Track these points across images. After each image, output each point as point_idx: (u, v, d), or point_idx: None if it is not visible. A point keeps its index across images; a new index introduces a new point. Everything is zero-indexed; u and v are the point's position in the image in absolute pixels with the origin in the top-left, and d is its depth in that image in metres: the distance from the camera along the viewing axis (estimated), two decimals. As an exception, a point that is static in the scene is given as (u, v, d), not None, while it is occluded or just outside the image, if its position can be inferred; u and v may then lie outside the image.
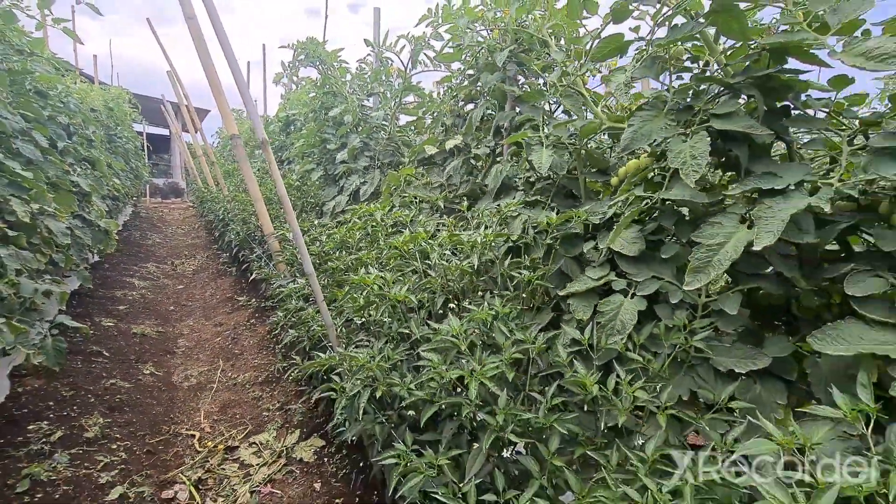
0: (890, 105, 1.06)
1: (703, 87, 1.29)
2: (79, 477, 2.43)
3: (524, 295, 1.67)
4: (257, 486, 2.54)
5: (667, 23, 1.24)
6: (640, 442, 1.31)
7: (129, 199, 9.47)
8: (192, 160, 9.86)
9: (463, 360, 1.43)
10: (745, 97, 1.25)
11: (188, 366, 4.04)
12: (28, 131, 2.95)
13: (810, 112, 1.25)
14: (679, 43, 1.25)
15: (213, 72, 3.12)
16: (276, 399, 3.40)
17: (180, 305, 5.64)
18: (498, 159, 2.35)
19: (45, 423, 2.80)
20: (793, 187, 1.08)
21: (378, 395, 1.41)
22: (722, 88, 1.23)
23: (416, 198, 2.59)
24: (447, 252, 1.75)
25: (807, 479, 0.89)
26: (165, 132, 22.43)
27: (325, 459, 2.71)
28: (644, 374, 1.35)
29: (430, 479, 1.21)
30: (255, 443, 2.93)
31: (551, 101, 1.93)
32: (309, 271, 1.89)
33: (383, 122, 3.54)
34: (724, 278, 1.52)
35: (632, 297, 1.45)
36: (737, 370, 1.29)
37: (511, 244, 1.88)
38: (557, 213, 1.71)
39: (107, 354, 3.88)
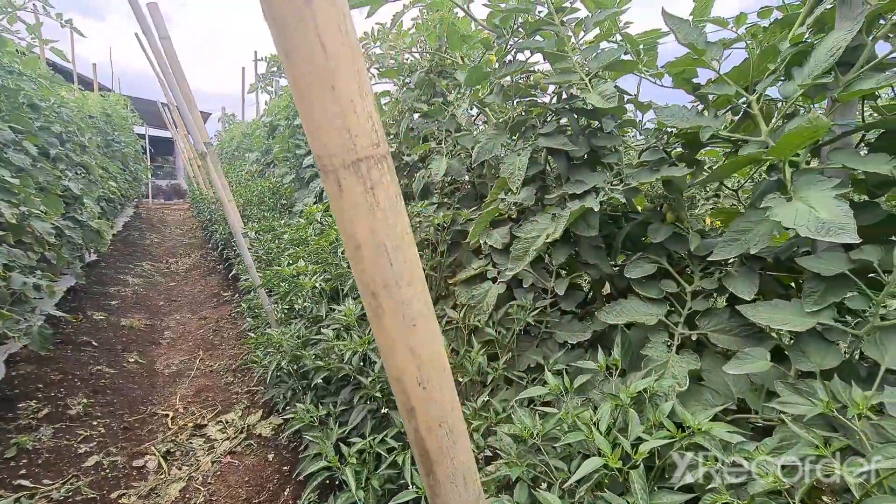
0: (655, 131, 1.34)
1: (547, 110, 1.57)
2: (60, 447, 2.76)
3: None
4: (219, 457, 2.86)
5: (510, 57, 1.53)
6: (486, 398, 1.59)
7: (128, 201, 9.86)
8: (188, 163, 10.26)
9: (356, 336, 1.73)
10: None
11: (171, 355, 4.37)
12: (19, 142, 3.28)
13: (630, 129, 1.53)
14: (513, 74, 1.54)
15: (188, 89, 3.42)
16: (246, 384, 3.72)
17: (170, 301, 5.98)
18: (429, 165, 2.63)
19: (34, 402, 3.13)
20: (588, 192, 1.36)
21: (283, 364, 1.71)
22: (551, 112, 1.51)
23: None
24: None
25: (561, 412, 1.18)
26: (170, 134, 22.92)
27: (281, 434, 3.01)
28: (499, 346, 1.64)
29: (311, 426, 1.51)
30: (221, 421, 3.25)
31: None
32: (248, 263, 2.20)
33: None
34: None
35: (496, 283, 1.73)
36: (570, 342, 1.57)
37: (422, 239, 2.17)
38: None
39: (95, 344, 4.22)
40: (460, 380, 1.62)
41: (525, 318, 1.54)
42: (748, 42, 1.14)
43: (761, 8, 1.28)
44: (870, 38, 0.95)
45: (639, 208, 1.58)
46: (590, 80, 1.26)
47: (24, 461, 2.59)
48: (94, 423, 3.08)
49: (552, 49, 1.33)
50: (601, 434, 0.95)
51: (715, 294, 1.34)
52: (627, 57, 1.37)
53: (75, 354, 3.93)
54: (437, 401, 0.42)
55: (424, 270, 1.93)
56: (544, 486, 1.10)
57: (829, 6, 1.09)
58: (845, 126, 1.03)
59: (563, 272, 1.66)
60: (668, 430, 0.94)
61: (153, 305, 5.69)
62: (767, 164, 1.12)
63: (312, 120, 0.35)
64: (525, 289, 1.67)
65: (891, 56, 0.96)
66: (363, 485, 1.32)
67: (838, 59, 0.99)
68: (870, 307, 0.96)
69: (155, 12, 3.29)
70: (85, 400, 3.28)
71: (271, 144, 6.21)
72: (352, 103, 0.34)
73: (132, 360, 4.11)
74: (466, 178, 2.17)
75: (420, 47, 2.49)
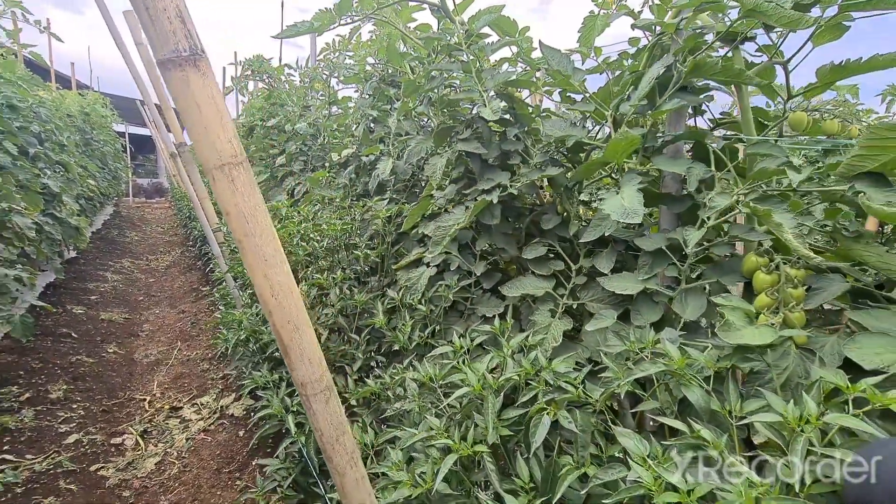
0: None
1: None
2: (42, 427, 2.96)
3: (366, 269, 2.23)
4: (193, 434, 3.09)
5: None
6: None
7: (108, 200, 9.90)
8: (168, 161, 10.33)
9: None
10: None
11: (149, 346, 4.56)
12: (0, 141, 3.46)
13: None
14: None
15: (164, 93, 3.63)
16: (221, 370, 3.94)
17: (149, 296, 6.14)
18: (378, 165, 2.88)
19: (16, 387, 3.32)
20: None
21: (245, 339, 1.96)
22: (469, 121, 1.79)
23: (324, 196, 3.14)
24: (315, 236, 2.31)
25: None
26: (150, 133, 22.69)
27: (252, 413, 3.25)
28: (430, 320, 1.91)
29: (265, 388, 1.77)
30: (196, 403, 3.47)
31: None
32: (217, 253, 2.43)
33: (318, 130, 4.08)
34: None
35: (428, 267, 2.00)
36: (487, 314, 1.85)
37: (374, 230, 2.44)
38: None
39: (75, 336, 4.39)
40: (395, 347, 1.89)
41: (448, 296, 1.82)
42: (605, 69, 1.43)
43: (630, 38, 1.58)
44: (679, 69, 1.24)
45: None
46: (487, 96, 1.54)
47: (8, 439, 2.79)
48: (74, 406, 3.28)
49: (459, 71, 1.61)
50: (474, 374, 1.23)
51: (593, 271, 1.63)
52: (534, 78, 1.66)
53: (55, 345, 4.10)
54: (285, 307, 0.68)
55: (370, 257, 2.20)
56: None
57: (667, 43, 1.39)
58: (673, 135, 1.33)
59: (488, 256, 1.94)
60: (525, 368, 1.22)
61: (133, 300, 5.85)
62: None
63: (198, 144, 0.61)
64: (453, 271, 1.95)
65: (698, 83, 1.27)
66: (305, 432, 1.58)
67: (662, 83, 1.29)
68: (678, 274, 1.25)
69: (131, 19, 3.49)
70: (65, 386, 3.47)
71: (249, 144, 6.38)
72: (216, 134, 0.59)
73: (111, 350, 4.29)
74: (407, 177, 2.44)
75: (375, 57, 2.76)
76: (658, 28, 1.40)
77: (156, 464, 2.82)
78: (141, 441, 3.01)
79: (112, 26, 2.67)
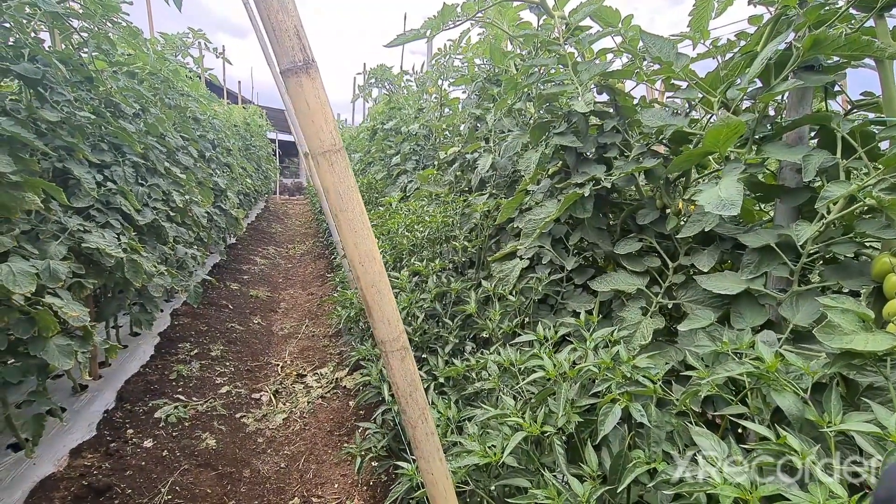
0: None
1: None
2: (204, 377, 3.66)
3: (464, 259, 2.35)
4: (313, 399, 3.54)
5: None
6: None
7: (260, 196, 11.60)
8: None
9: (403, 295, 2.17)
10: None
11: (284, 321, 5.30)
12: (186, 147, 4.33)
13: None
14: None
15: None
16: (338, 347, 4.43)
17: (286, 278, 7.11)
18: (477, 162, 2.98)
19: (189, 344, 4.14)
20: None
21: (352, 315, 2.21)
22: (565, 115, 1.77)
23: (430, 192, 3.35)
24: (418, 227, 2.49)
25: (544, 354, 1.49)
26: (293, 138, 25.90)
27: (362, 387, 3.61)
28: (518, 311, 1.96)
29: (367, 360, 1.98)
30: (317, 373, 3.96)
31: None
32: (336, 240, 2.76)
33: (430, 131, 4.34)
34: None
35: (521, 259, 2.05)
36: (577, 309, 1.84)
37: (474, 224, 2.55)
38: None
39: (231, 308, 5.30)
40: (485, 334, 1.98)
41: (538, 288, 1.84)
42: (715, 54, 1.31)
43: (750, 17, 1.44)
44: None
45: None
46: (582, 89, 1.52)
47: (181, 383, 3.51)
48: (227, 363, 3.98)
49: (555, 65, 1.61)
50: (551, 361, 1.26)
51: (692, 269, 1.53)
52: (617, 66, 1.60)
53: (217, 313, 5.00)
54: (370, 272, 0.80)
55: (469, 250, 2.31)
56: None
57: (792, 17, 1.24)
58: (791, 119, 1.19)
59: (582, 251, 1.92)
60: (603, 360, 1.21)
61: (274, 281, 6.84)
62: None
63: (306, 133, 0.76)
64: (544, 265, 1.96)
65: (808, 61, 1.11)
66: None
67: (781, 63, 1.16)
68: (790, 275, 1.13)
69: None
70: (222, 347, 4.23)
71: (371, 145, 6.94)
72: (320, 126, 0.73)
73: (256, 321, 5.09)
74: (508, 172, 2.49)
75: (482, 58, 2.86)
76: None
77: (283, 419, 3.30)
78: (273, 399, 3.55)
79: (265, 47, 3.18)
